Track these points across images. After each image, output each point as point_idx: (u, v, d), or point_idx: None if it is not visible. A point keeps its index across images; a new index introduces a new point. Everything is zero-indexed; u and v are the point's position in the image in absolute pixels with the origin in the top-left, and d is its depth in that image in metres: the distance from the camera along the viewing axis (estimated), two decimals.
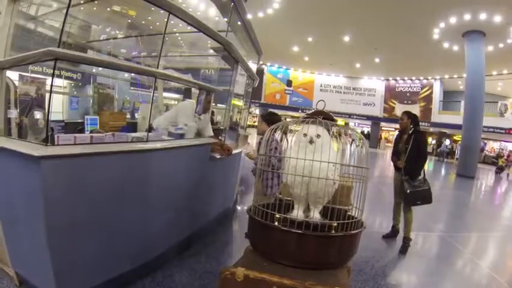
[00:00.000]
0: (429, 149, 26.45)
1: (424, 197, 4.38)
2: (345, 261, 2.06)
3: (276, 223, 1.99)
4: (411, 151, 4.43)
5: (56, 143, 2.22)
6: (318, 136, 2.03)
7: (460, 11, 14.39)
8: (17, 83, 3.37)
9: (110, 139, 2.57)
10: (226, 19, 3.99)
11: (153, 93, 3.04)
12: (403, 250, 4.41)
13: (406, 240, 4.49)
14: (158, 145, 2.92)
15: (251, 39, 5.05)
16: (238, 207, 5.76)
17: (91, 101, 8.23)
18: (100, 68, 8.94)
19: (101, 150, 2.36)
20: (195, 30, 3.45)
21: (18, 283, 2.59)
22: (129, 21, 7.23)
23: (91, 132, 4.30)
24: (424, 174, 4.50)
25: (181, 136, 3.48)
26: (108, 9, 6.88)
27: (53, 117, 8.01)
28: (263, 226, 1.99)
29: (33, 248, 2.29)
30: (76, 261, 2.36)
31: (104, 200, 2.45)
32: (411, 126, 4.57)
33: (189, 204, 3.52)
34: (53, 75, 2.25)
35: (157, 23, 6.72)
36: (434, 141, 30.07)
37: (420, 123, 4.90)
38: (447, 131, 28.08)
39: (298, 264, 1.87)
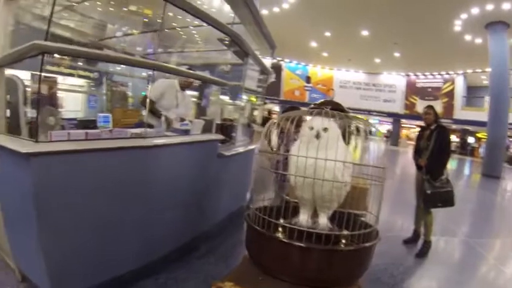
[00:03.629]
0: (452, 147, 25.51)
1: (446, 199, 4.06)
2: (354, 279, 1.83)
3: (278, 231, 1.79)
4: (433, 148, 4.14)
5: (49, 140, 2.13)
6: (325, 130, 1.79)
7: (482, 1, 13.74)
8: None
9: (107, 135, 2.45)
10: (233, 11, 3.83)
11: (150, 85, 2.88)
12: (421, 254, 4.13)
13: (426, 244, 4.22)
14: (157, 141, 2.79)
15: (262, 33, 4.87)
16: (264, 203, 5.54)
17: (104, 99, 8.29)
18: (117, 67, 9.02)
19: (95, 147, 2.26)
20: (203, 24, 3.35)
21: (20, 278, 2.60)
22: (145, 20, 7.22)
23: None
24: (447, 174, 4.19)
25: (186, 132, 3.35)
26: (125, 8, 6.87)
27: (69, 115, 8.13)
28: (260, 235, 1.78)
29: (29, 246, 2.23)
30: (72, 260, 2.27)
31: (100, 199, 2.35)
32: (434, 121, 4.28)
33: (196, 203, 3.39)
34: (40, 70, 2.14)
35: (174, 23, 6.68)
36: (458, 139, 29.11)
37: (443, 120, 4.59)
38: (470, 128, 27.17)
39: (299, 281, 1.66)
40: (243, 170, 4.76)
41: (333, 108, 1.93)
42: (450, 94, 26.91)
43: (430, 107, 4.39)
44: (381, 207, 2.05)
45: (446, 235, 5.14)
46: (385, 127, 32.42)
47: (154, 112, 3.70)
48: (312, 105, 2.06)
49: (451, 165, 16.94)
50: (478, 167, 18.18)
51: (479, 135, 27.85)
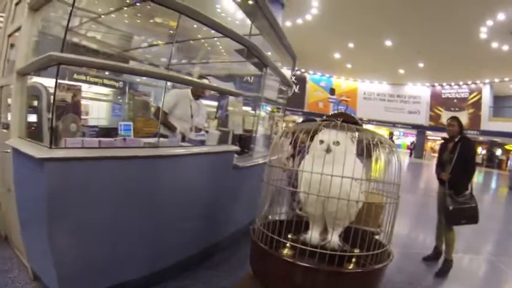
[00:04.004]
0: (478, 159, 24.54)
1: (470, 215, 3.82)
2: None
3: (285, 247, 1.74)
4: (457, 161, 3.92)
5: (64, 146, 2.22)
6: (337, 143, 1.75)
7: (508, 7, 13.23)
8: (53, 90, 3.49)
9: (120, 144, 2.50)
10: (252, 22, 3.84)
11: (164, 95, 2.91)
12: (441, 273, 3.91)
13: (447, 263, 3.99)
14: (170, 151, 2.80)
15: (283, 44, 4.86)
16: (269, 217, 5.49)
17: (126, 108, 8.47)
18: (144, 78, 9.24)
19: (106, 155, 2.30)
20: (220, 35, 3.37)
21: (32, 277, 2.69)
22: (171, 31, 7.36)
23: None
24: (472, 189, 3.96)
25: (201, 143, 3.36)
26: (151, 21, 7.03)
27: (93, 122, 8.31)
28: (262, 252, 1.73)
29: (40, 247, 2.29)
30: (81, 264, 2.32)
31: (110, 205, 2.38)
32: (458, 133, 4.08)
33: (209, 214, 3.36)
34: (56, 81, 2.19)
35: (199, 35, 6.79)
36: (484, 151, 28.08)
37: (469, 132, 4.37)
38: (499, 139, 26.19)
39: None
40: (259, 183, 4.67)
41: (345, 120, 1.87)
42: (477, 104, 26.11)
43: (454, 118, 4.19)
44: (394, 226, 1.96)
45: (469, 253, 4.89)
46: (410, 139, 31.74)
47: (167, 125, 3.72)
48: (324, 117, 2.01)
49: (477, 178, 16.25)
50: (505, 180, 17.45)
51: (507, 147, 26.82)
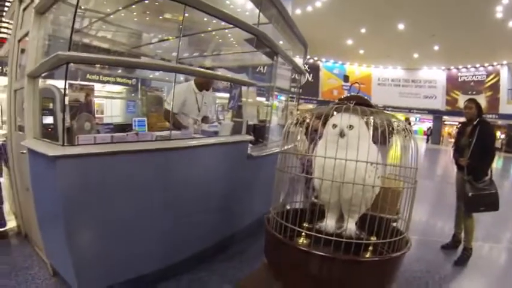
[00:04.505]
0: (497, 144, 23.70)
1: (490, 202, 3.69)
2: None
3: (300, 236, 1.71)
4: (476, 145, 3.77)
5: (76, 143, 2.22)
6: (351, 127, 1.70)
7: None
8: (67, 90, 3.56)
9: (132, 138, 2.50)
10: (260, 11, 3.78)
11: (174, 87, 2.89)
12: (460, 262, 3.79)
13: (466, 251, 3.88)
14: (182, 143, 2.79)
15: (293, 31, 4.79)
16: (287, 206, 5.48)
17: (140, 104, 8.55)
18: (153, 73, 9.29)
19: (119, 149, 2.30)
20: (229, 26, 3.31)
21: (52, 273, 2.77)
22: (180, 26, 7.35)
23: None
24: (491, 174, 3.82)
25: (215, 133, 3.34)
26: (160, 17, 7.04)
27: (109, 120, 8.39)
28: (277, 241, 1.70)
29: (58, 242, 2.33)
30: (97, 258, 2.36)
31: (125, 200, 2.40)
32: (477, 116, 3.92)
33: (224, 205, 3.35)
34: (65, 80, 2.22)
35: (209, 28, 6.77)
36: (503, 136, 27.24)
37: (487, 115, 4.19)
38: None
39: None
40: (274, 172, 4.64)
41: (358, 103, 1.81)
42: (495, 87, 25.37)
43: (472, 101, 4.05)
44: (412, 212, 1.90)
45: (489, 241, 4.71)
46: (426, 125, 31.16)
47: (178, 126, 3.69)
48: (337, 101, 1.95)
49: (496, 164, 15.76)
50: None
51: None
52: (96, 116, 7.51)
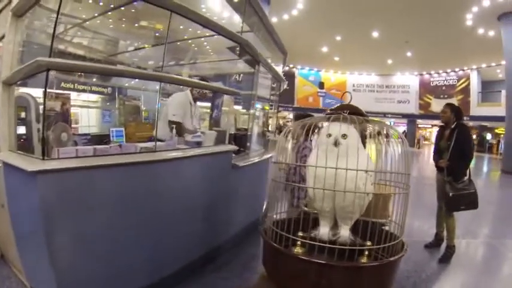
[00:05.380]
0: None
1: (470, 201, 3.84)
2: None
3: (297, 246, 1.68)
4: (454, 148, 3.91)
5: (57, 157, 2.09)
6: (345, 136, 1.70)
7: None
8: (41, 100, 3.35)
9: (116, 150, 2.39)
10: (242, 18, 3.76)
11: (159, 98, 2.81)
12: (444, 259, 3.90)
13: (449, 249, 4.00)
14: (167, 155, 2.71)
15: (273, 39, 4.79)
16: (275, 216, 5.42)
17: (117, 113, 8.34)
18: (130, 82, 9.11)
19: (103, 163, 2.19)
20: (211, 34, 3.23)
21: None
22: (157, 34, 7.28)
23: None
24: (470, 174, 3.96)
25: (198, 144, 3.26)
26: (136, 24, 6.93)
27: (84, 130, 8.16)
28: (276, 251, 1.68)
29: (39, 264, 2.19)
30: (82, 277, 2.21)
31: (110, 214, 2.29)
32: (454, 119, 4.06)
33: (210, 216, 3.30)
34: (45, 87, 2.09)
35: (185, 35, 6.70)
36: (474, 136, 28.30)
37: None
38: (488, 124, 26.41)
39: None
40: (258, 181, 4.65)
41: (351, 112, 1.81)
42: (465, 91, 26.30)
43: (447, 105, 4.20)
44: (406, 216, 1.90)
45: (468, 237, 4.89)
46: (401, 129, 31.93)
47: (183, 133, 3.64)
48: (329, 111, 1.94)
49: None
50: (497, 164, 17.58)
51: (498, 131, 27.05)
52: (72, 126, 7.30)
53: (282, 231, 1.73)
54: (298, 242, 1.73)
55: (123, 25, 6.95)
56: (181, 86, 4.11)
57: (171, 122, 3.61)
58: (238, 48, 3.59)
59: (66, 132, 3.05)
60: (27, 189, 2.07)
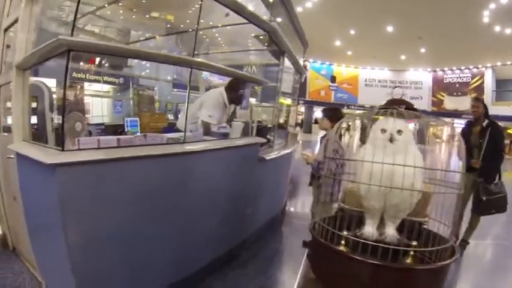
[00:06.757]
0: None
1: (500, 205, 3.66)
2: None
3: (341, 245, 1.60)
4: (488, 147, 3.71)
5: (77, 147, 1.93)
6: (400, 132, 1.60)
7: None
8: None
9: (140, 141, 2.21)
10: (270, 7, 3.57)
11: (189, 86, 2.61)
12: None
13: (463, 242, 3.87)
14: (197, 147, 2.56)
15: (295, 28, 4.60)
16: (291, 208, 5.40)
17: (131, 103, 8.24)
18: (143, 72, 8.98)
19: (128, 155, 2.03)
20: (234, 23, 3.04)
21: None
22: (168, 25, 7.19)
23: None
24: (500, 176, 3.78)
25: (224, 136, 3.10)
26: (147, 16, 6.84)
27: (96, 120, 8.12)
28: (327, 250, 1.59)
29: (56, 260, 2.06)
30: (101, 274, 2.08)
31: (134, 209, 2.15)
32: (484, 116, 3.91)
33: (235, 211, 3.19)
34: (66, 71, 1.91)
35: (196, 26, 6.56)
36: None
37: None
38: (502, 124, 25.83)
39: None
40: (281, 174, 4.55)
41: (406, 108, 1.75)
42: (479, 89, 25.61)
43: (478, 100, 4.09)
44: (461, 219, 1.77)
45: (483, 239, 4.61)
46: (412, 125, 31.60)
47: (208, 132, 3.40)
48: (381, 105, 1.84)
49: None
50: (510, 165, 17.24)
51: (510, 131, 26.53)
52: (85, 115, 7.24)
53: (333, 229, 1.64)
54: (342, 241, 1.64)
55: (134, 16, 6.84)
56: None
57: (203, 122, 3.37)
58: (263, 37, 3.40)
59: (80, 121, 2.95)
60: (44, 183, 1.92)
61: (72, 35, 1.81)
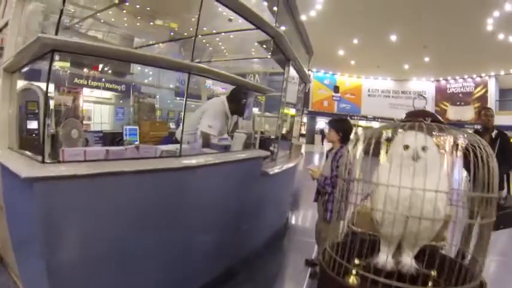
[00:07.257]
0: None
1: (508, 221, 3.39)
2: None
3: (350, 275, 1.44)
4: (497, 157, 3.51)
5: (61, 159, 1.76)
6: (425, 149, 1.40)
7: None
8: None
9: (132, 153, 2.02)
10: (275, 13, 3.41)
11: (186, 93, 2.42)
12: None
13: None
14: (194, 161, 2.36)
15: (300, 35, 4.45)
16: (293, 222, 5.24)
17: (131, 111, 8.12)
18: (146, 79, 8.90)
19: (117, 170, 1.84)
20: (238, 29, 2.89)
21: None
22: (172, 33, 7.16)
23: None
24: (509, 187, 3.63)
25: (225, 148, 2.90)
26: (151, 23, 6.80)
27: (95, 128, 8.01)
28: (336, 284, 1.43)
29: (36, 274, 1.85)
30: None
31: (121, 229, 1.96)
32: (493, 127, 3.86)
33: (235, 228, 3.01)
34: (48, 72, 1.73)
35: (200, 36, 6.52)
36: None
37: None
38: (507, 133, 25.57)
39: None
40: (284, 189, 4.37)
41: (432, 120, 1.57)
42: (482, 98, 25.36)
43: (490, 109, 4.05)
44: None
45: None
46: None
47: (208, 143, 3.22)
48: (403, 118, 1.69)
49: None
50: None
51: None
52: (84, 122, 7.11)
53: (344, 255, 1.50)
54: (353, 271, 1.46)
55: (138, 23, 6.81)
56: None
57: (202, 133, 3.20)
58: (272, 43, 3.21)
59: (76, 128, 2.79)
60: (23, 196, 1.75)
61: (56, 34, 1.63)
